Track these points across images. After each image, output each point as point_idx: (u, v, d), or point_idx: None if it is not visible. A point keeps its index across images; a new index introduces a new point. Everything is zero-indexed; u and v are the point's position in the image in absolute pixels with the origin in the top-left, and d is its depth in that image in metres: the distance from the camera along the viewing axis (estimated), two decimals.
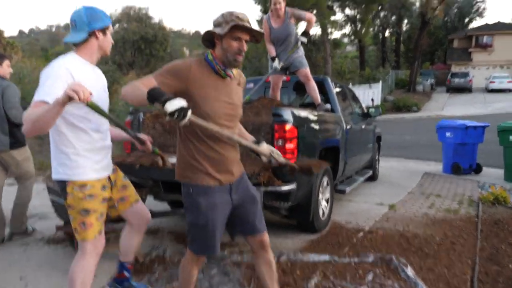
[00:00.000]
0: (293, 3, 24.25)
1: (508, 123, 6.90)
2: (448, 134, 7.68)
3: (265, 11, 25.33)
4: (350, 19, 29.46)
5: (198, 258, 2.03)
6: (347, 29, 30.94)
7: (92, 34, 2.09)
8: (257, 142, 2.13)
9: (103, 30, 2.13)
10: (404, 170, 8.29)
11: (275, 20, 4.44)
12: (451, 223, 4.41)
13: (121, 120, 9.60)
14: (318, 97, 4.51)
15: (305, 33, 4.46)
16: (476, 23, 42.90)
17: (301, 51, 4.57)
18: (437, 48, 42.11)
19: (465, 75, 30.28)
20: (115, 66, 26.24)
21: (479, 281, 2.93)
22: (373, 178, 6.86)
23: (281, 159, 2.17)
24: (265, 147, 2.12)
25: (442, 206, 5.24)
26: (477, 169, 7.60)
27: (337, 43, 28.60)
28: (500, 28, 34.68)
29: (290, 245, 3.72)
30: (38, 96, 1.83)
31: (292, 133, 3.33)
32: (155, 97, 1.57)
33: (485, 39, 34.32)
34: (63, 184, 2.08)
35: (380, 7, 28.94)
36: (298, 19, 4.49)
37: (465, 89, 29.80)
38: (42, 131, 1.78)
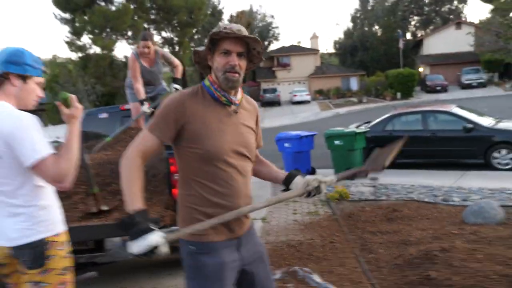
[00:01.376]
0: (107, 24, 23.22)
1: (332, 131, 8.22)
2: (286, 144, 8.61)
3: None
4: (168, 41, 29.93)
5: None
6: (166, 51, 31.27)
7: (5, 76, 1.76)
8: (287, 184, 1.73)
9: (23, 78, 1.79)
10: (253, 181, 8.86)
11: (144, 59, 4.19)
12: (320, 224, 4.97)
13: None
14: None
15: (176, 80, 4.38)
16: (274, 45, 49.88)
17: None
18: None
19: (274, 90, 34.79)
20: None
21: (369, 270, 3.40)
22: None
23: (326, 179, 1.69)
24: (300, 188, 1.67)
25: (303, 210, 5.83)
26: (312, 172, 8.75)
27: None
28: (294, 50, 41.35)
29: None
30: (44, 151, 1.70)
31: None
32: (126, 227, 1.34)
33: (284, 59, 40.18)
34: (40, 246, 1.77)
35: (195, 30, 30.37)
36: (167, 62, 4.36)
37: (275, 103, 34.09)
38: None
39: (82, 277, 2.48)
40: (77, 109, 1.82)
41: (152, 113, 4.26)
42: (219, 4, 38.97)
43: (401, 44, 37.03)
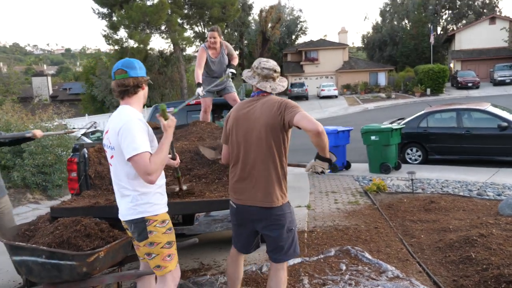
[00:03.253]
0: (144, 19, 24.03)
1: (369, 126, 8.62)
2: None
3: None
4: (199, 36, 30.60)
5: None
6: (197, 46, 32.00)
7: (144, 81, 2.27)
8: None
9: (146, 81, 2.30)
10: (291, 173, 9.38)
11: (211, 51, 4.73)
12: (362, 213, 5.45)
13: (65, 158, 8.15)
14: None
15: (231, 65, 4.93)
16: (302, 39, 49.95)
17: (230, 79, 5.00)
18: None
19: (302, 85, 35.01)
20: None
21: (413, 251, 3.87)
22: None
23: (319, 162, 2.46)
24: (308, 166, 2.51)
25: (343, 200, 6.31)
26: (347, 166, 9.19)
27: (189, 59, 29.37)
28: (322, 44, 41.32)
29: (258, 257, 4.07)
30: (140, 148, 2.08)
31: None
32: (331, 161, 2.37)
33: (312, 53, 40.26)
34: (141, 223, 2.22)
35: (225, 25, 30.92)
36: (229, 53, 4.90)
37: (303, 97, 34.34)
38: None
39: (184, 243, 3.08)
40: (172, 121, 2.28)
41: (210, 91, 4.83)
42: None
43: (432, 39, 36.52)
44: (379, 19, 51.39)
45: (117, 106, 2.38)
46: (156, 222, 2.24)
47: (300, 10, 59.43)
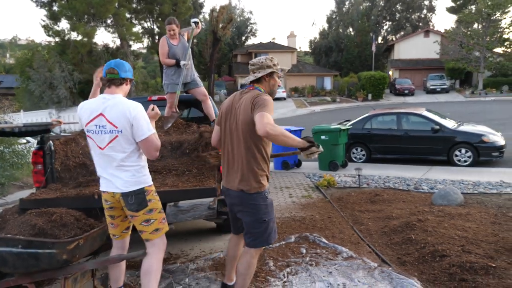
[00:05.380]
0: (89, 11, 23.13)
1: (320, 127, 9.20)
2: None
3: None
4: (148, 32, 30.00)
5: (261, 250, 2.75)
6: (145, 42, 31.27)
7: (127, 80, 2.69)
8: None
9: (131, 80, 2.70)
10: None
11: (172, 40, 4.85)
12: (315, 205, 5.91)
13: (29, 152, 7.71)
14: (213, 113, 5.13)
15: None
16: (251, 41, 50.64)
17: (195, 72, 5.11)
18: (224, 62, 47.42)
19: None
20: None
21: (363, 236, 4.37)
22: None
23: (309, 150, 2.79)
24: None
25: (297, 194, 6.76)
26: (299, 164, 9.71)
27: (137, 55, 28.67)
28: (272, 47, 42.26)
29: (223, 245, 4.34)
30: (153, 129, 2.57)
31: None
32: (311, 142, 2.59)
33: (261, 55, 40.90)
34: (141, 193, 2.56)
35: None
36: (189, 35, 5.04)
37: None
38: None
39: (132, 255, 3.23)
40: (157, 113, 2.77)
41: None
42: None
43: (373, 48, 38.83)
44: (326, 26, 53.54)
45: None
46: (153, 191, 2.64)
47: (251, 12, 60.24)
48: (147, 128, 2.52)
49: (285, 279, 3.30)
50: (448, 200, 5.35)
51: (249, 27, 49.95)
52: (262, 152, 2.64)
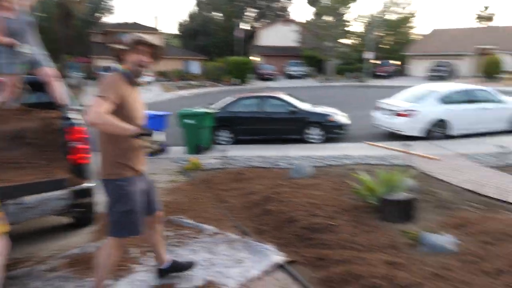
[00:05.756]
0: None
1: (185, 110, 9.18)
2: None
3: None
4: None
5: (122, 242, 2.64)
6: None
7: None
8: None
9: None
10: None
11: (6, 12, 4.13)
12: (181, 188, 5.94)
13: None
14: (62, 97, 4.55)
15: None
16: (109, 19, 47.04)
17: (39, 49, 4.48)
18: (78, 41, 43.02)
19: (116, 69, 33.16)
20: None
21: (226, 213, 4.59)
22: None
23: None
24: None
25: (163, 180, 6.65)
26: (163, 150, 9.54)
27: None
28: (134, 27, 39.98)
29: (80, 240, 4.01)
30: None
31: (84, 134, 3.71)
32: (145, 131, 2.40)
33: (123, 36, 38.44)
34: None
35: None
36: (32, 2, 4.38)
37: None
38: None
39: None
40: None
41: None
42: None
43: (237, 33, 40.18)
44: (196, 9, 52.99)
45: None
46: None
47: None
48: None
49: (149, 264, 3.26)
50: (301, 174, 5.97)
51: (102, 3, 46.08)
52: (116, 137, 2.47)
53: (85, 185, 3.62)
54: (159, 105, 21.36)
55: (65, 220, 4.49)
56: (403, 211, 3.85)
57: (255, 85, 32.07)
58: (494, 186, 5.29)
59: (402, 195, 3.99)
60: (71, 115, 3.70)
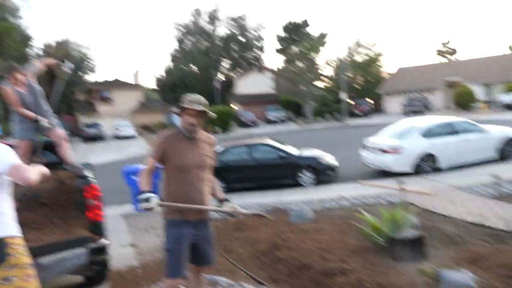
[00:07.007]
0: None
1: None
2: (133, 177, 9.14)
3: None
4: None
5: (171, 283, 2.82)
6: None
7: None
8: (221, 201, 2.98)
9: None
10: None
11: (19, 86, 4.33)
12: None
13: None
14: (71, 157, 4.65)
15: (64, 62, 4.70)
16: (91, 77, 47.82)
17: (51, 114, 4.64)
18: (61, 99, 43.26)
19: (97, 125, 33.39)
20: None
21: (236, 263, 4.58)
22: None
23: (243, 211, 2.98)
24: (228, 206, 2.92)
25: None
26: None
27: None
28: (116, 84, 40.68)
29: None
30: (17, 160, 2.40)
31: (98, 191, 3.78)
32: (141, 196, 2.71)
33: (105, 93, 39.08)
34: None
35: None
36: (37, 73, 4.58)
37: (98, 138, 32.69)
38: None
39: None
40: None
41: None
42: (26, 30, 35.33)
43: (216, 84, 41.33)
44: (171, 64, 54.46)
45: None
46: (16, 244, 2.37)
47: (88, 48, 57.14)
48: (15, 158, 2.37)
49: None
50: (302, 218, 6.06)
51: (86, 63, 47.05)
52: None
53: (102, 242, 3.63)
54: (145, 158, 21.20)
55: (76, 279, 4.41)
56: (414, 249, 3.96)
57: (238, 133, 32.53)
58: (497, 217, 5.36)
59: (409, 233, 4.12)
60: (87, 173, 3.78)
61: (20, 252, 2.37)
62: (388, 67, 48.06)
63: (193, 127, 2.81)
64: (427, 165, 9.64)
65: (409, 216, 4.43)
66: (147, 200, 2.64)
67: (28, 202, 3.51)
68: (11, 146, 4.52)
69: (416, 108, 31.81)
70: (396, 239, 4.01)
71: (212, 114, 2.96)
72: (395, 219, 4.28)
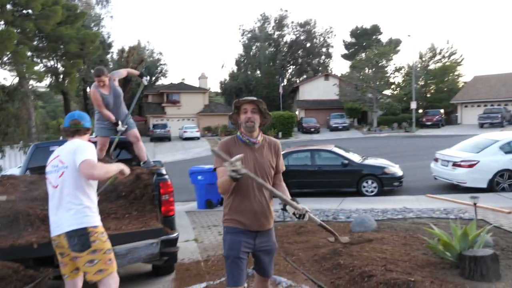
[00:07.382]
0: None
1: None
2: (199, 177, 9.58)
3: None
4: (51, 71, 28.24)
5: None
6: (47, 80, 29.24)
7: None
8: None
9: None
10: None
11: (103, 88, 4.80)
12: None
13: None
14: (145, 155, 5.10)
15: (141, 73, 5.22)
16: (161, 81, 50.58)
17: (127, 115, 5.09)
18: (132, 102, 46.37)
19: (164, 126, 35.24)
20: None
21: (296, 266, 4.62)
22: None
23: (313, 216, 2.83)
24: (300, 206, 2.70)
25: None
26: (222, 202, 9.84)
27: (40, 95, 26.60)
28: (183, 87, 42.62)
29: None
30: (91, 157, 2.64)
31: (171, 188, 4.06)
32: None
33: (174, 96, 41.10)
34: (85, 234, 2.61)
35: (83, 62, 29.39)
36: (120, 79, 5.04)
37: (165, 138, 34.44)
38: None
39: None
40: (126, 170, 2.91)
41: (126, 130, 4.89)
42: (108, 37, 38.43)
43: (281, 89, 41.58)
44: (235, 68, 55.85)
45: None
46: (98, 232, 2.70)
47: (161, 53, 60.79)
48: (84, 155, 2.61)
49: None
50: (364, 227, 5.93)
51: (159, 68, 49.96)
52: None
53: (173, 234, 3.88)
54: (208, 159, 22.03)
55: (145, 268, 4.75)
56: (487, 268, 3.72)
57: (299, 138, 32.46)
58: None
59: (482, 251, 3.87)
60: (163, 171, 4.08)
61: (102, 239, 2.69)
62: (464, 76, 44.19)
63: (251, 123, 2.61)
64: (504, 182, 8.92)
65: (482, 233, 4.17)
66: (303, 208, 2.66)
67: (109, 194, 3.86)
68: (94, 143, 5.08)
69: (494, 120, 29.41)
70: (468, 256, 3.79)
71: (259, 100, 2.69)
72: (467, 235, 4.05)
